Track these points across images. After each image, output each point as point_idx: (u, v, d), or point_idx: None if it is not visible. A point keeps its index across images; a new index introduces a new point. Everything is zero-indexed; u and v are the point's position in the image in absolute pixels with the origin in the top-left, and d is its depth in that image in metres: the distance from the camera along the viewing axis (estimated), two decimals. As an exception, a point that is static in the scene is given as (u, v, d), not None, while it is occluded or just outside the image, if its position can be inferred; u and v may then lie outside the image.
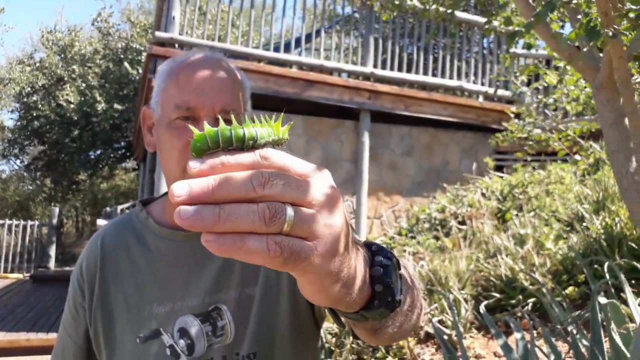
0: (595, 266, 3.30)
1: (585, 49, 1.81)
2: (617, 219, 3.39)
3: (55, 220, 11.04)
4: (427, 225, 4.84)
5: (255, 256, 0.34)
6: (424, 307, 0.60)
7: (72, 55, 12.34)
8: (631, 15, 1.85)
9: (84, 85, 11.67)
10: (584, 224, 3.70)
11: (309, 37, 5.91)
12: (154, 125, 0.89)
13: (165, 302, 0.84)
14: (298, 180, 0.37)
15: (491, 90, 6.03)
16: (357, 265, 0.45)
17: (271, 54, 5.23)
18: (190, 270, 0.85)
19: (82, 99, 11.45)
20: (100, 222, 6.02)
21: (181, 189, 0.34)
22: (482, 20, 4.90)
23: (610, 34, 1.45)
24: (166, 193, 0.96)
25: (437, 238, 4.50)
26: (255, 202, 0.35)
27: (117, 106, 11.15)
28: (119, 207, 8.91)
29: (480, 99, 6.21)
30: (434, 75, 6.20)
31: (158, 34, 4.86)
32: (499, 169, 6.08)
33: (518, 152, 3.75)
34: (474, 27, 6.26)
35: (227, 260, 0.86)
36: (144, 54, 11.06)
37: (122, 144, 12.92)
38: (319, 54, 5.47)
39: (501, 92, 6.12)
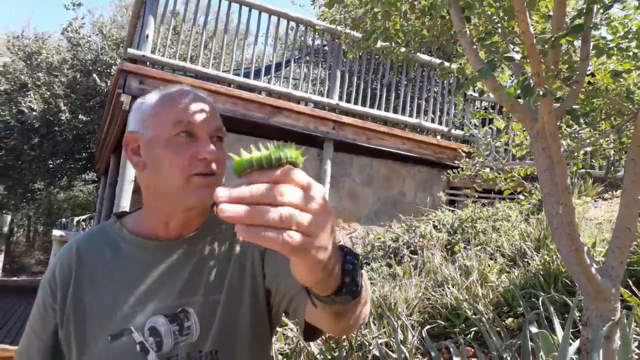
0: (533, 299, 3.54)
1: (522, 102, 2.04)
2: (554, 256, 3.66)
3: (5, 229, 10.70)
4: (381, 252, 5.03)
5: (272, 243, 0.48)
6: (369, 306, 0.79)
7: (39, 62, 12.16)
8: (565, 73, 2.10)
9: (48, 93, 11.48)
10: (526, 260, 3.96)
11: (278, 66, 6.12)
12: (139, 147, 0.96)
13: (137, 304, 0.92)
14: (305, 194, 0.51)
15: (447, 129, 6.37)
16: (336, 259, 0.61)
17: (241, 79, 5.39)
18: (161, 275, 0.95)
19: (46, 107, 11.25)
20: (56, 232, 5.94)
21: (224, 192, 0.48)
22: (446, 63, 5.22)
23: (541, 93, 1.67)
24: (139, 208, 1.05)
25: (390, 265, 4.68)
26: (275, 206, 0.49)
27: (81, 117, 11.00)
28: (76, 219, 8.75)
29: (438, 137, 6.52)
30: (395, 111, 6.50)
31: (130, 50, 4.95)
32: (451, 203, 6.37)
33: (467, 189, 4.00)
34: (435, 68, 6.62)
35: (195, 267, 0.97)
36: (114, 67, 11.02)
37: (84, 154, 12.68)
38: (288, 83, 5.67)
39: (456, 132, 6.46)
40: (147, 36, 5.01)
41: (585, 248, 1.96)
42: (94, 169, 12.28)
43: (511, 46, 2.22)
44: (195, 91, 0.98)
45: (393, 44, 3.05)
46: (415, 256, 4.68)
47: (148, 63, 4.98)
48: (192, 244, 0.99)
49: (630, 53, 2.07)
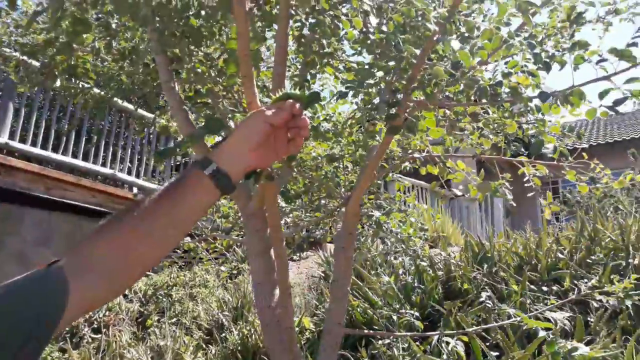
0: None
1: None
2: (252, 330, 3.50)
3: None
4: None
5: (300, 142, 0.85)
6: None
7: None
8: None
9: None
10: (223, 334, 3.70)
11: None
12: None
13: None
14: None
15: (147, 183, 5.85)
16: None
17: None
18: None
19: None
20: None
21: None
22: (146, 114, 4.77)
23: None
24: None
25: (64, 350, 3.79)
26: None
27: None
28: None
29: (135, 190, 5.93)
30: (85, 158, 5.62)
31: None
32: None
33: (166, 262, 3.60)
34: (135, 118, 6.08)
35: None
36: None
37: None
38: None
39: (152, 185, 5.99)
40: None
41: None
42: None
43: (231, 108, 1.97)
44: None
45: (81, 85, 2.47)
46: (99, 335, 3.92)
47: None
48: None
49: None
